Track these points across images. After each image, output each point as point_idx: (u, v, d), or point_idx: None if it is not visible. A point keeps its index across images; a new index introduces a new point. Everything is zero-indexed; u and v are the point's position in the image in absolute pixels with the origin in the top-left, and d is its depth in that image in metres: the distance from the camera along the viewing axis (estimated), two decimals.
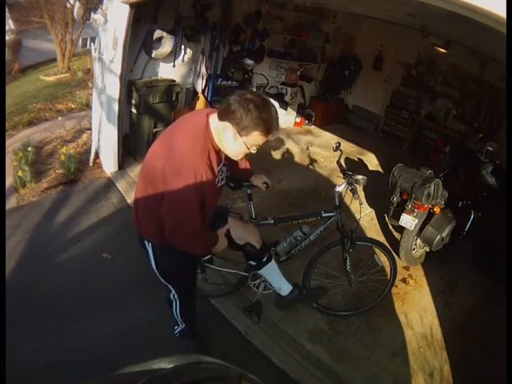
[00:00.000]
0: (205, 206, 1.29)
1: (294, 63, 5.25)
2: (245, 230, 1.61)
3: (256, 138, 1.23)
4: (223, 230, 1.51)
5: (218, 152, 1.33)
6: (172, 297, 1.70)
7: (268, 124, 1.21)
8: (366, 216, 3.49)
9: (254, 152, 1.31)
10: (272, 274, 1.82)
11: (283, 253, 2.14)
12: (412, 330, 2.32)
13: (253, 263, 1.77)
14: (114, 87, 3.24)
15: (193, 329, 1.93)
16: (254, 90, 5.08)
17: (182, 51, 4.06)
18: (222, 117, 1.22)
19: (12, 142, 4.30)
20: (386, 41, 5.52)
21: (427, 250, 2.90)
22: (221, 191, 1.49)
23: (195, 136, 1.26)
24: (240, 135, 1.22)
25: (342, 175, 2.09)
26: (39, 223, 2.86)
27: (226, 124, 1.21)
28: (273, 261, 1.79)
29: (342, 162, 2.26)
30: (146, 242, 1.47)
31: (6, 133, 4.59)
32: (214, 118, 1.28)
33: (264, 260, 1.75)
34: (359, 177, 2.04)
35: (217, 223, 1.55)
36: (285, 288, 1.83)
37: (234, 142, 1.24)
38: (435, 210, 2.67)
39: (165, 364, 0.80)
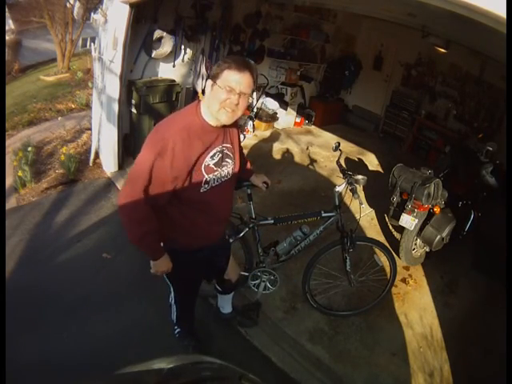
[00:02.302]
0: (179, 185, 1.25)
1: (294, 63, 5.25)
2: (236, 268, 1.85)
3: (227, 77, 1.20)
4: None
5: (213, 134, 1.29)
6: (170, 300, 1.72)
7: (232, 60, 1.22)
8: (366, 216, 3.49)
9: (233, 101, 1.21)
10: (227, 298, 2.04)
11: (283, 253, 2.14)
12: (412, 330, 2.32)
13: (219, 289, 1.94)
14: (114, 87, 3.24)
15: (192, 329, 1.93)
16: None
17: (182, 51, 4.06)
18: (211, 76, 1.25)
19: (12, 142, 4.30)
20: (386, 41, 5.52)
21: (427, 249, 2.90)
22: (226, 189, 1.42)
23: (174, 117, 1.29)
24: (215, 83, 1.22)
25: (341, 175, 2.09)
26: (39, 223, 2.86)
27: (207, 83, 1.25)
28: (233, 293, 2.02)
29: (342, 162, 2.26)
30: None
31: (6, 133, 4.60)
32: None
33: (230, 292, 1.99)
34: (359, 177, 2.04)
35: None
36: (227, 308, 2.11)
37: (212, 92, 1.23)
38: (435, 210, 2.67)
39: (165, 364, 0.80)
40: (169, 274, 1.51)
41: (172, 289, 1.65)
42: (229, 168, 1.38)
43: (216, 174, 1.33)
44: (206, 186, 1.31)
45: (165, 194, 1.25)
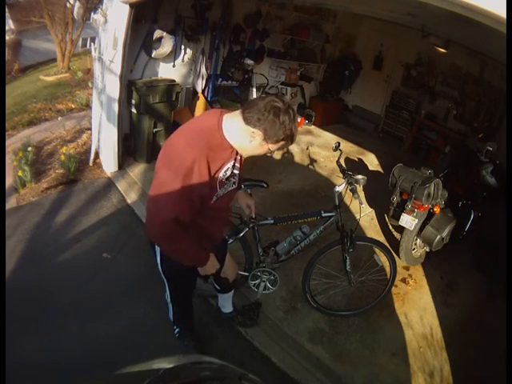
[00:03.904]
0: (199, 201, 1.26)
1: (294, 63, 5.25)
2: (233, 267, 1.82)
3: (280, 144, 1.29)
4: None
5: (228, 150, 1.31)
6: (166, 298, 1.72)
7: (294, 134, 1.27)
8: (365, 216, 3.49)
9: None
10: (226, 297, 2.03)
11: (283, 253, 2.14)
12: (412, 330, 2.32)
13: (217, 287, 1.93)
14: (113, 87, 3.24)
15: (192, 329, 1.93)
16: (254, 90, 5.09)
17: (182, 51, 4.06)
18: (250, 122, 1.21)
19: (12, 142, 4.30)
20: (386, 41, 5.52)
21: (427, 249, 2.90)
22: (231, 196, 1.46)
23: (196, 131, 1.26)
24: (266, 142, 1.25)
25: (341, 175, 2.09)
26: (39, 223, 2.86)
27: (254, 130, 1.22)
28: (233, 290, 2.02)
29: (342, 161, 2.25)
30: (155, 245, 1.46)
31: (6, 133, 4.59)
32: (231, 117, 1.27)
33: (229, 290, 1.98)
34: (359, 177, 2.04)
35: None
36: (227, 308, 2.10)
37: (258, 146, 1.27)
38: (435, 209, 2.67)
39: (165, 364, 0.80)
40: (167, 271, 1.53)
41: (167, 286, 1.65)
42: (235, 179, 1.42)
43: (226, 186, 1.37)
44: (215, 197, 1.35)
45: (192, 210, 1.27)
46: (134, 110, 3.58)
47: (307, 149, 4.86)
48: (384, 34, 5.30)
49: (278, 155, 4.59)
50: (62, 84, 7.72)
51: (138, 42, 3.55)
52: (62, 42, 8.67)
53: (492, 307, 2.58)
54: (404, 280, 2.74)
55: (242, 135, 1.25)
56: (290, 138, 1.27)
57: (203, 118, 1.35)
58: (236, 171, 1.40)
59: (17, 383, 1.55)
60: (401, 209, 2.69)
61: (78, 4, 8.42)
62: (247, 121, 1.21)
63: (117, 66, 3.14)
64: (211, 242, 1.50)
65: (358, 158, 4.83)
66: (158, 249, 1.47)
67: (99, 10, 3.42)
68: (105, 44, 3.29)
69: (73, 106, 5.90)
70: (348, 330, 2.24)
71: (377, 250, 2.49)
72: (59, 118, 5.36)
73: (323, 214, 2.07)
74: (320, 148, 4.95)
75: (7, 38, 8.77)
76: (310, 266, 2.15)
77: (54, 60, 9.09)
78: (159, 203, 1.24)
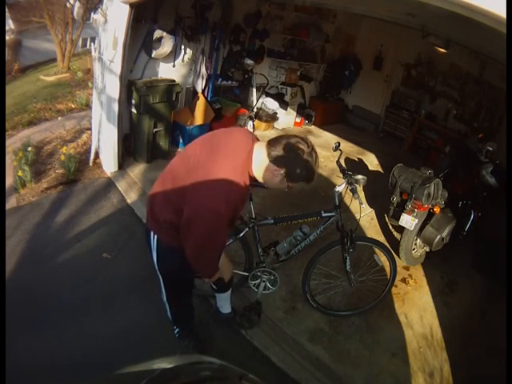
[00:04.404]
0: (230, 224, 1.38)
1: (294, 63, 5.25)
2: (228, 266, 1.83)
3: (300, 183, 1.38)
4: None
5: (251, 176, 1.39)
6: (162, 298, 1.73)
7: (314, 177, 1.36)
8: (365, 216, 3.49)
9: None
10: (224, 296, 2.01)
11: (283, 253, 2.14)
12: (412, 330, 2.32)
13: (214, 287, 1.92)
14: (113, 87, 3.24)
15: (192, 329, 1.94)
16: (254, 90, 5.09)
17: (182, 51, 4.06)
18: (274, 160, 1.29)
19: (12, 142, 4.30)
20: (386, 41, 5.52)
21: (427, 249, 2.90)
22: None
23: (237, 158, 1.31)
24: (287, 180, 1.33)
25: (341, 175, 2.09)
26: (39, 223, 2.86)
27: (277, 169, 1.30)
28: (230, 290, 1.99)
29: (342, 161, 2.25)
30: (152, 234, 1.46)
31: (6, 133, 4.59)
32: (259, 150, 1.33)
33: (225, 290, 1.97)
34: (359, 177, 2.04)
35: None
36: (226, 308, 2.07)
37: (279, 182, 1.34)
38: (435, 210, 2.67)
39: (165, 364, 0.80)
40: (163, 269, 1.55)
41: (163, 285, 1.65)
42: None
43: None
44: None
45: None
46: (134, 110, 3.58)
47: None
48: (384, 34, 5.30)
49: None
50: (62, 84, 7.71)
51: (138, 42, 3.55)
52: (62, 41, 8.67)
53: (492, 307, 2.58)
54: (404, 280, 2.74)
55: (265, 170, 1.33)
56: (310, 180, 1.36)
57: (237, 154, 1.33)
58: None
59: (17, 383, 1.55)
60: (401, 209, 2.69)
61: (78, 4, 8.41)
62: (271, 158, 1.29)
63: (117, 66, 3.14)
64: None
65: (358, 158, 4.83)
66: (154, 246, 1.47)
67: (99, 10, 3.42)
68: (105, 44, 3.29)
69: (73, 106, 5.90)
70: (348, 330, 2.24)
71: (377, 250, 2.49)
72: (59, 118, 5.36)
73: (323, 214, 2.07)
74: (320, 148, 4.91)
75: (7, 38, 8.77)
76: (310, 265, 2.15)
77: (54, 60, 9.09)
78: (203, 237, 1.29)
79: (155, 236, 1.46)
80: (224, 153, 1.31)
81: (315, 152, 1.32)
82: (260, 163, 1.32)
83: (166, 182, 1.42)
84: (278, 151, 1.27)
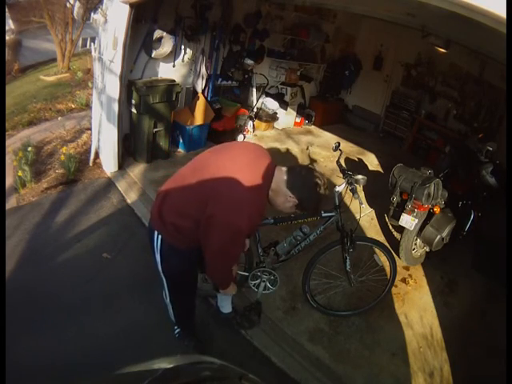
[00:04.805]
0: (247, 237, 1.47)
1: (294, 63, 5.25)
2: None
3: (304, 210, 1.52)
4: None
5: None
6: (165, 299, 1.72)
7: (317, 202, 1.45)
8: (365, 216, 3.49)
9: None
10: (226, 296, 2.02)
11: (283, 253, 2.14)
12: (412, 330, 2.32)
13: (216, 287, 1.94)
14: (113, 87, 3.24)
15: (193, 329, 1.94)
16: (254, 90, 5.09)
17: (182, 51, 4.06)
18: (290, 188, 1.39)
19: (12, 142, 4.30)
20: (385, 41, 5.53)
21: (427, 249, 2.90)
22: None
23: (264, 176, 1.37)
24: (296, 207, 1.44)
25: (341, 175, 2.09)
26: (39, 223, 2.86)
27: (292, 196, 1.40)
28: None
29: (342, 161, 2.26)
30: (156, 234, 1.45)
31: (6, 133, 4.59)
32: (279, 174, 1.41)
33: None
34: (359, 177, 2.04)
35: None
36: (226, 308, 2.09)
37: (288, 207, 1.45)
38: (435, 210, 2.67)
39: (165, 364, 0.80)
40: (166, 270, 1.55)
41: (166, 286, 1.65)
42: None
43: None
44: None
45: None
46: (134, 110, 3.58)
47: (307, 149, 4.86)
48: (384, 34, 5.30)
49: (277, 155, 4.59)
50: (62, 84, 7.71)
51: (138, 42, 3.55)
52: (62, 41, 8.66)
53: (492, 307, 2.58)
54: (404, 280, 2.74)
55: (280, 194, 1.41)
56: (316, 210, 1.53)
57: (265, 161, 1.41)
58: None
59: (17, 383, 1.55)
60: (401, 209, 2.69)
61: (78, 4, 8.40)
62: (289, 185, 1.39)
63: (117, 66, 3.14)
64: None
65: (358, 158, 4.83)
66: (157, 247, 1.46)
67: (99, 9, 3.42)
68: (105, 44, 3.29)
69: (73, 106, 5.89)
70: (348, 330, 2.24)
71: (377, 250, 2.49)
72: (59, 118, 5.35)
73: (323, 214, 2.07)
74: (320, 148, 4.95)
75: (7, 37, 8.76)
76: (310, 265, 2.15)
77: (54, 60, 9.08)
78: (225, 243, 1.33)
79: (159, 236, 1.44)
80: (251, 168, 1.36)
81: (327, 186, 1.44)
82: (277, 186, 1.40)
83: (183, 181, 1.42)
84: (297, 181, 1.39)
